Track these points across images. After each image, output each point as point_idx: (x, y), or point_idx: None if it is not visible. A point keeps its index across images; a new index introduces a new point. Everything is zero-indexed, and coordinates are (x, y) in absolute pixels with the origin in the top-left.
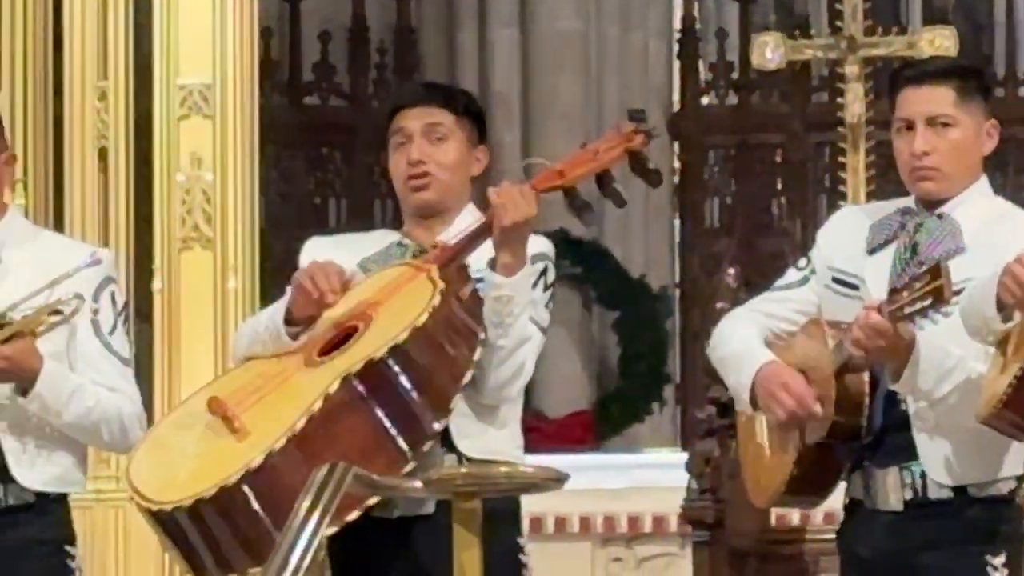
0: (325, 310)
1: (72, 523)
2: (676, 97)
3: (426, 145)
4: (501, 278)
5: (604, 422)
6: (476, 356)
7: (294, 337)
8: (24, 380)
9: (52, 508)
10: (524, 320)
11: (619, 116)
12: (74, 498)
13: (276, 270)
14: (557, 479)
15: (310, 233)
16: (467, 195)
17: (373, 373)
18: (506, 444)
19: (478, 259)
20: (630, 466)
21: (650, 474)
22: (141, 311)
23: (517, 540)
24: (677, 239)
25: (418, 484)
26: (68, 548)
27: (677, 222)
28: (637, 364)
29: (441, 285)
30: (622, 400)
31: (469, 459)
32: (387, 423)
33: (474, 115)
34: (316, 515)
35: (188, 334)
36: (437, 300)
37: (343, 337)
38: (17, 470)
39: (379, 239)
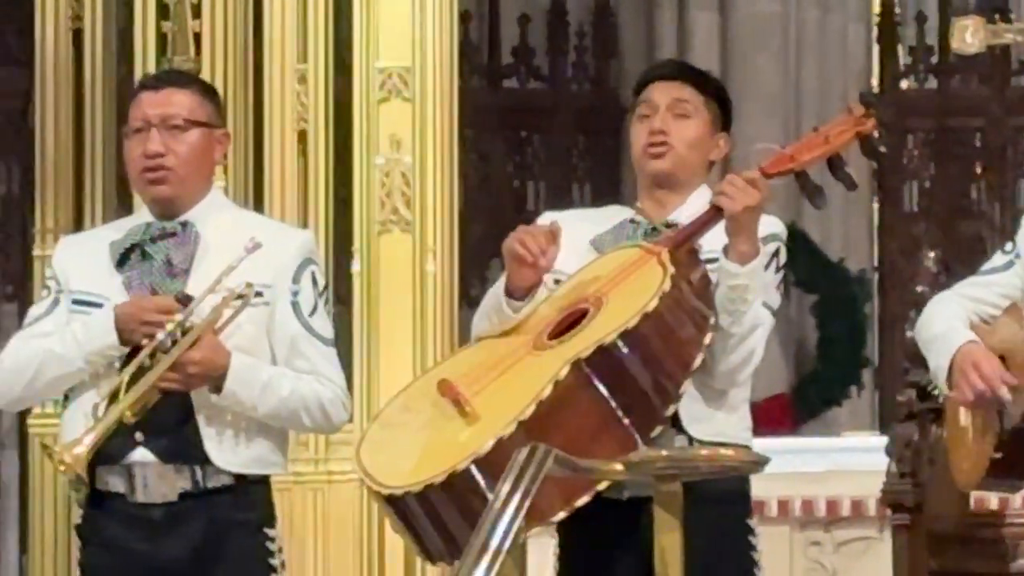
0: (544, 274)
1: (273, 505)
2: (875, 81)
3: (669, 119)
4: (736, 266)
5: (802, 406)
6: (706, 340)
7: (516, 310)
8: (216, 380)
9: (252, 490)
10: (757, 306)
11: (818, 99)
12: (273, 480)
13: (475, 253)
14: (757, 462)
15: (508, 216)
16: (703, 177)
17: (603, 358)
18: (735, 427)
19: (711, 240)
20: (828, 450)
21: (848, 458)
22: (339, 293)
23: (747, 521)
24: (876, 222)
25: (619, 467)
26: (267, 530)
27: (876, 205)
28: (835, 348)
29: (671, 270)
30: (820, 384)
31: (700, 442)
32: (617, 408)
33: (722, 101)
34: (516, 498)
35: (386, 317)
36: (668, 285)
37: (573, 320)
38: (215, 453)
39: (612, 215)
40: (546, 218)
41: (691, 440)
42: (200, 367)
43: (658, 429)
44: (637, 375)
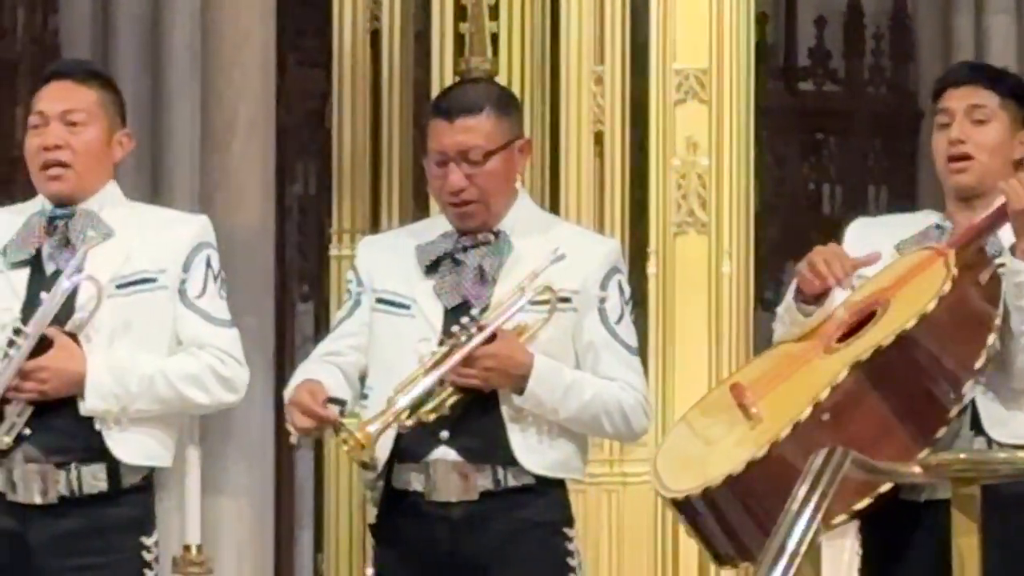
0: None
1: (570, 506)
2: None
3: (967, 126)
4: (1020, 263)
5: None
6: (990, 341)
7: (807, 314)
8: (518, 381)
9: (551, 491)
10: None
11: None
12: (568, 481)
13: (770, 255)
14: None
15: (803, 219)
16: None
17: (881, 361)
18: None
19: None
20: None
21: None
22: (635, 295)
23: None
24: None
25: (917, 469)
26: (566, 530)
27: None
28: None
29: (954, 271)
30: None
31: (999, 444)
32: (897, 412)
33: (1022, 98)
34: (813, 501)
35: (682, 318)
36: (947, 287)
37: (862, 322)
38: (522, 454)
39: (922, 220)
40: (860, 224)
41: (990, 443)
42: (496, 360)
43: (942, 431)
44: (916, 377)
